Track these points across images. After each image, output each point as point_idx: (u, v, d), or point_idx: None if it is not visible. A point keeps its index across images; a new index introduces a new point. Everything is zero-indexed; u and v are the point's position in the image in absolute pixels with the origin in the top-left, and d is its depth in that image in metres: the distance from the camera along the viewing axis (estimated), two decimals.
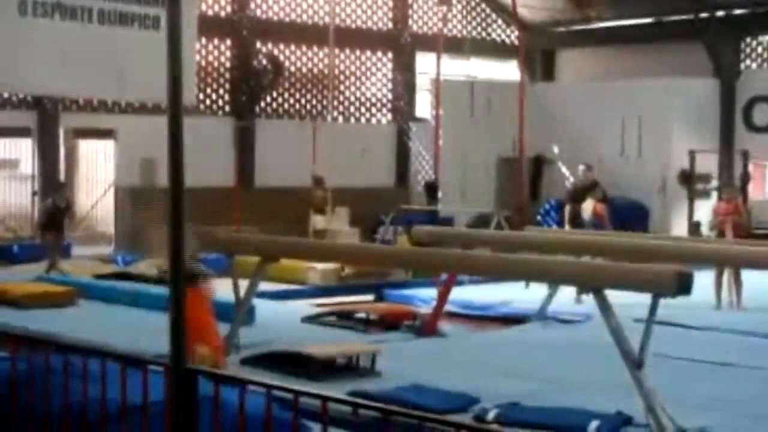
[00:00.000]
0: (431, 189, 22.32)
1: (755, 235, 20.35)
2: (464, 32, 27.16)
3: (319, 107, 24.88)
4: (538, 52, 28.22)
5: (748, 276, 14.26)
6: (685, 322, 12.28)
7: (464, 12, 27.33)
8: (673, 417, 7.59)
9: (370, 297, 15.07)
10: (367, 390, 8.32)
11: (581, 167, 17.35)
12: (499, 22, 27.80)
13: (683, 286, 7.77)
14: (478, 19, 27.65)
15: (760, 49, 25.26)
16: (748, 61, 25.33)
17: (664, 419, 7.57)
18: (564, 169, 24.64)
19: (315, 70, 24.90)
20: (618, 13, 26.04)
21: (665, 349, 9.77)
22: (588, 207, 15.81)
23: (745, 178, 23.52)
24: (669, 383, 8.42)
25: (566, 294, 13.31)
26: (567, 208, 16.52)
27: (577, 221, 15.82)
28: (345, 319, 12.80)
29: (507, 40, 27.95)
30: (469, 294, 14.35)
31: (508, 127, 21.96)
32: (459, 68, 26.20)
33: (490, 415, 7.81)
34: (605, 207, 15.99)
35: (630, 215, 22.05)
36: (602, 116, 24.83)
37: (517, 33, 26.32)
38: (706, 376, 9.81)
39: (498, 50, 27.76)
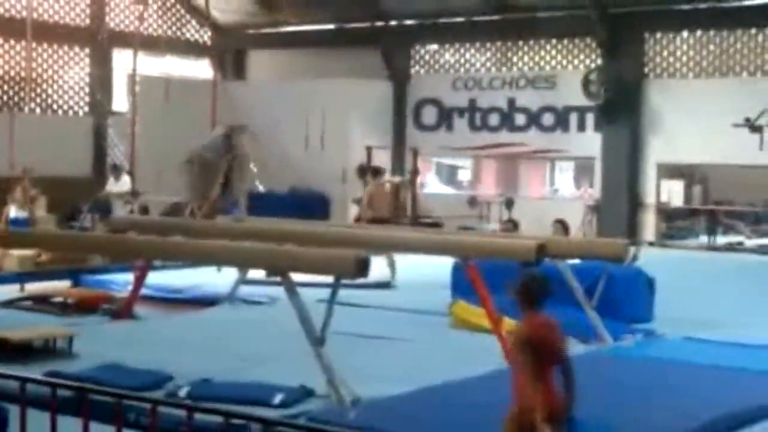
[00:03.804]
0: (117, 170, 21.37)
1: (422, 223, 21.23)
2: (160, 31, 26.76)
3: (17, 99, 23.85)
4: (230, 52, 28.22)
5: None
6: (360, 302, 12.65)
7: (160, 12, 26.92)
8: (350, 388, 7.81)
9: (67, 283, 14.57)
10: (63, 371, 8.08)
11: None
12: (193, 22, 27.57)
13: (361, 269, 8.03)
14: (173, 19, 27.30)
15: (427, 57, 26.30)
16: (417, 67, 26.32)
17: (342, 391, 7.78)
18: (251, 164, 24.73)
19: (12, 63, 23.83)
20: (303, 19, 26.43)
21: (344, 327, 10.02)
22: None
23: (415, 172, 24.44)
24: (346, 357, 8.65)
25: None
26: None
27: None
28: (41, 303, 12.37)
29: (200, 40, 27.76)
30: (164, 278, 14.16)
31: (202, 122, 21.80)
32: (155, 65, 25.80)
33: (182, 392, 7.77)
34: None
35: (313, 205, 22.50)
36: (289, 113, 25.11)
37: (210, 33, 26.17)
38: (377, 349, 10.17)
39: (192, 49, 27.53)
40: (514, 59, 25.05)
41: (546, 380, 5.58)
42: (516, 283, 5.86)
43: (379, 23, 25.64)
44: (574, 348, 10.19)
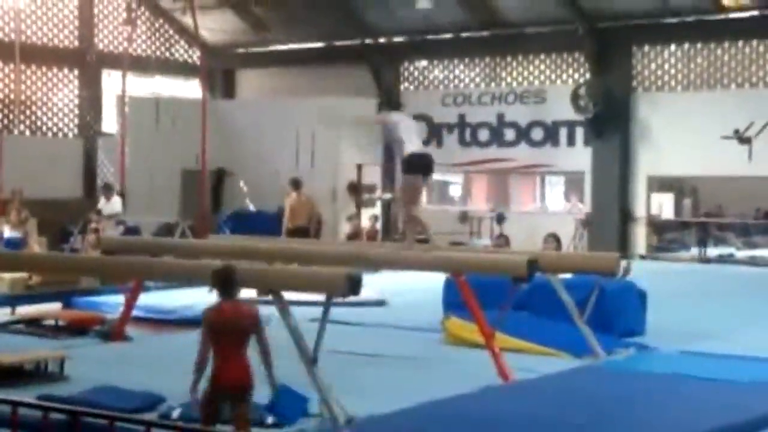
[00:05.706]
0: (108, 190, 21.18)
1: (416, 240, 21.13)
2: (149, 51, 26.78)
3: (6, 121, 23.82)
4: (219, 71, 28.25)
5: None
6: (351, 319, 12.61)
7: (149, 32, 26.95)
8: (344, 407, 7.78)
9: (58, 305, 14.51)
10: (55, 394, 8.04)
11: None
12: (182, 42, 27.60)
13: (353, 287, 8.00)
14: (162, 40, 27.34)
15: (416, 73, 26.35)
16: (406, 84, 26.35)
17: (336, 409, 7.75)
18: (242, 183, 24.73)
19: (1, 85, 23.81)
20: (292, 37, 26.48)
21: (337, 345, 9.99)
22: None
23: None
24: (340, 376, 8.62)
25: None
26: None
27: None
28: (33, 326, 12.31)
29: (190, 60, 27.78)
30: (155, 299, 14.11)
31: (192, 142, 21.81)
32: (145, 86, 25.81)
33: (175, 413, 7.73)
34: None
35: None
36: (279, 131, 25.10)
37: (199, 53, 26.19)
38: (370, 367, 10.14)
39: (181, 69, 27.56)
40: (503, 74, 25.11)
41: (233, 357, 6.41)
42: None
43: (368, 41, 25.68)
44: (569, 363, 10.20)
